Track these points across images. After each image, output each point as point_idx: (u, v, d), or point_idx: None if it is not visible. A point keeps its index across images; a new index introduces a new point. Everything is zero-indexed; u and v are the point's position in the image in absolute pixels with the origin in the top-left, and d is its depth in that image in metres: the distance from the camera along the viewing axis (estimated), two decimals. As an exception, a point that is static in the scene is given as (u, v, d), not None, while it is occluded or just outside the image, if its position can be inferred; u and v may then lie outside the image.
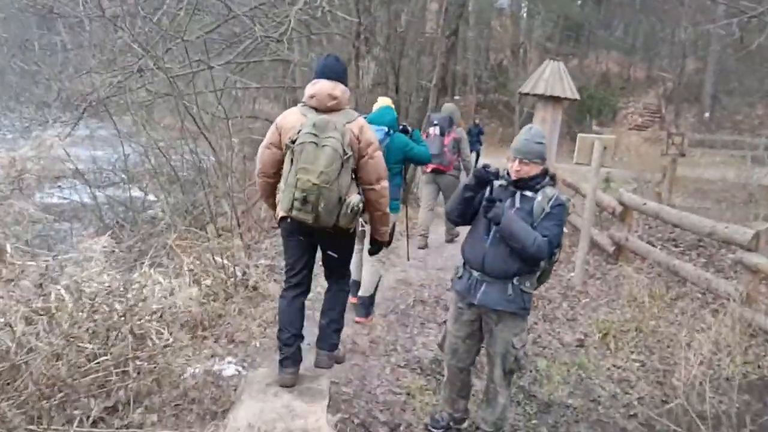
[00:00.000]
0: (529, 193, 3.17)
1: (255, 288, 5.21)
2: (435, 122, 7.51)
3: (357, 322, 4.89)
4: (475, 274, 3.24)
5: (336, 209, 3.15)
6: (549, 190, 3.17)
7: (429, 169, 7.51)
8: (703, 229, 5.96)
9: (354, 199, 3.19)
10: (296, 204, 3.11)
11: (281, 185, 3.30)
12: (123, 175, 9.06)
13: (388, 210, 3.53)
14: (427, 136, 7.44)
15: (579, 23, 34.26)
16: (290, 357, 3.47)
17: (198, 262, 5.20)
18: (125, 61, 6.90)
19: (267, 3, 8.03)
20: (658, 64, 33.70)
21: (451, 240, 8.07)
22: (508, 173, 3.23)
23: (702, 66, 31.34)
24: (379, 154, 3.37)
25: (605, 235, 7.83)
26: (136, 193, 8.72)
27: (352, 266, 4.20)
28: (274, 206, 3.56)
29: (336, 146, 3.08)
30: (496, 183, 3.23)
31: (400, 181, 5.02)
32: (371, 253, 3.96)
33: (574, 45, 34.49)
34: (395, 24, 8.48)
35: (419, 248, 7.61)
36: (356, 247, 4.67)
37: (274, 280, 5.48)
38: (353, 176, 3.28)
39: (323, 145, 3.08)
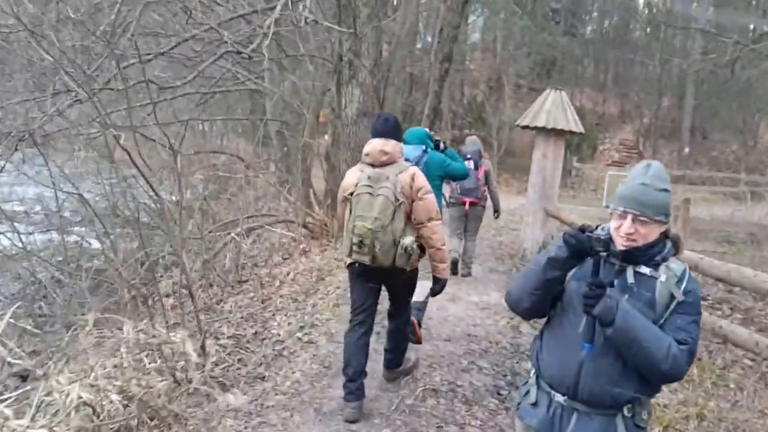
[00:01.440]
0: (646, 270, 2.00)
1: (209, 381, 3.93)
2: (468, 156, 7.23)
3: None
4: (561, 399, 2.07)
5: (392, 250, 3.51)
6: (675, 265, 2.02)
7: (466, 203, 7.33)
8: (763, 287, 4.90)
9: (407, 240, 3.53)
10: (354, 248, 3.54)
11: (344, 233, 3.70)
12: (72, 218, 7.86)
13: (442, 246, 3.77)
14: None
15: (552, 58, 33.97)
16: (354, 392, 3.73)
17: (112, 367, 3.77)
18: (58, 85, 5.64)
19: (236, 18, 6.90)
20: (632, 100, 33.51)
21: (467, 274, 7.54)
22: (609, 238, 2.04)
23: (676, 101, 31.24)
24: (430, 196, 3.66)
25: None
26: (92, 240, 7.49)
27: None
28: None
29: (388, 194, 3.47)
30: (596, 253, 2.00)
31: (441, 200, 4.90)
32: (434, 293, 4.03)
33: (547, 80, 34.16)
34: (382, 46, 7.51)
35: (463, 276, 7.41)
36: None
37: (239, 361, 4.27)
38: (408, 219, 3.59)
39: (377, 195, 3.48)
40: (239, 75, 12.15)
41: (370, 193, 3.49)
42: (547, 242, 8.54)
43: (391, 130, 3.76)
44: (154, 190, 4.53)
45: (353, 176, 3.67)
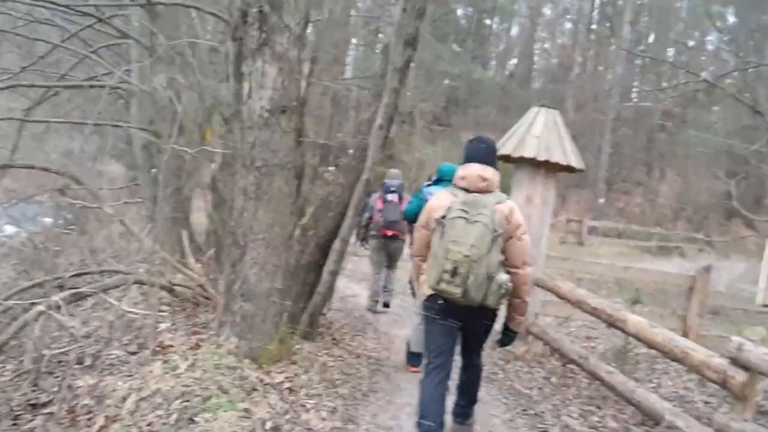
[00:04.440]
0: None
1: None
2: (393, 189, 7.26)
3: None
4: None
5: (485, 285, 3.17)
6: None
7: (390, 235, 7.27)
8: None
9: (503, 277, 3.22)
10: (446, 276, 3.19)
11: (428, 263, 3.40)
12: None
13: (528, 299, 3.53)
14: (384, 203, 7.25)
15: (457, 97, 32.72)
16: None
17: None
18: None
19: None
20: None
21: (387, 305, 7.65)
22: None
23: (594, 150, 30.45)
24: (527, 238, 3.40)
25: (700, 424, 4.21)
26: None
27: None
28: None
29: (486, 222, 3.18)
30: None
31: None
32: (503, 344, 3.76)
33: (449, 122, 32.68)
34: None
35: (384, 306, 7.55)
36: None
37: None
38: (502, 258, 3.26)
39: (474, 221, 3.20)
40: (99, 66, 8.87)
41: (465, 219, 3.22)
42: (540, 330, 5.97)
43: (490, 155, 3.53)
44: None
45: (445, 200, 3.42)
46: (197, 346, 4.21)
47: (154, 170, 8.62)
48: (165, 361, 3.92)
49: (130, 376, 3.89)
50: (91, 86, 8.01)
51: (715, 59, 33.36)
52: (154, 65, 7.81)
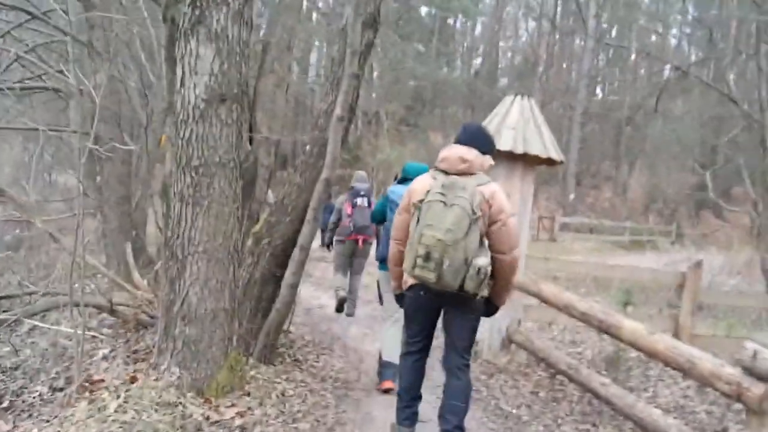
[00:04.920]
0: None
1: None
2: (362, 193, 6.99)
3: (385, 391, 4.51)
4: None
5: (462, 270, 3.06)
6: None
7: (359, 241, 6.98)
8: None
9: (482, 261, 3.09)
10: (419, 261, 3.10)
11: (405, 248, 3.26)
12: None
13: (514, 281, 3.47)
14: (353, 207, 6.95)
15: (425, 96, 32.38)
16: (410, 418, 3.52)
17: None
18: None
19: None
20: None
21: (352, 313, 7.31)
22: None
23: (560, 144, 30.29)
24: (513, 221, 3.24)
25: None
26: None
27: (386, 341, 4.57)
28: (399, 276, 3.50)
29: (465, 205, 3.07)
30: None
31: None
32: (488, 314, 3.51)
33: (416, 122, 32.29)
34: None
35: (347, 315, 7.24)
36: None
37: None
38: (483, 241, 3.14)
39: (452, 204, 3.08)
40: (34, 66, 8.13)
41: (443, 202, 3.11)
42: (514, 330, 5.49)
43: (476, 140, 3.37)
44: None
45: (424, 183, 3.29)
46: (133, 379, 3.58)
47: (98, 178, 7.94)
48: (92, 401, 3.29)
49: (47, 421, 3.25)
50: (23, 89, 7.29)
51: (677, 51, 33.58)
52: (93, 62, 7.15)
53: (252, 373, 3.95)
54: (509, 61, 40.40)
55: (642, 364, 5.64)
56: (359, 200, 6.92)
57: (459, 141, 3.37)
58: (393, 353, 4.34)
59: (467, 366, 3.43)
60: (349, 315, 7.23)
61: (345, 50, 4.40)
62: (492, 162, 3.44)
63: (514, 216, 3.27)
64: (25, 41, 7.73)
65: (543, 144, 5.55)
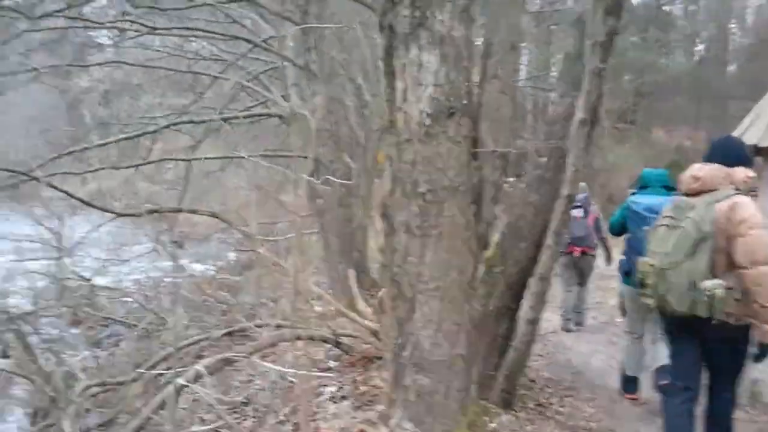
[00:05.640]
0: None
1: None
2: (578, 204, 6.54)
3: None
4: None
5: (687, 295, 2.96)
6: None
7: (577, 252, 6.84)
8: None
9: (709, 283, 2.91)
10: (639, 288, 3.19)
11: None
12: None
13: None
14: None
15: (641, 93, 29.88)
16: None
17: None
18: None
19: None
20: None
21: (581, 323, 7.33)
22: None
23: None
24: (756, 232, 2.93)
25: None
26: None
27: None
28: None
29: (688, 226, 3.00)
30: None
31: None
32: (756, 359, 3.15)
33: (635, 118, 29.88)
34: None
35: (576, 324, 7.21)
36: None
37: None
38: (724, 259, 2.97)
39: (677, 227, 3.04)
40: (256, 95, 8.47)
41: (668, 226, 3.10)
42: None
43: (717, 153, 3.23)
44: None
45: (666, 207, 3.31)
46: (361, 411, 3.23)
47: (319, 200, 7.99)
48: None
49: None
50: (246, 116, 7.59)
51: None
52: (312, 85, 7.20)
53: (493, 425, 3.41)
54: (737, 44, 35.86)
55: None
56: (574, 211, 6.61)
57: (705, 159, 3.26)
58: (635, 367, 4.68)
59: (730, 386, 3.24)
60: (578, 324, 7.27)
61: (581, 44, 3.75)
62: (749, 172, 3.16)
63: (758, 228, 2.96)
64: (246, 69, 8.11)
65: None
